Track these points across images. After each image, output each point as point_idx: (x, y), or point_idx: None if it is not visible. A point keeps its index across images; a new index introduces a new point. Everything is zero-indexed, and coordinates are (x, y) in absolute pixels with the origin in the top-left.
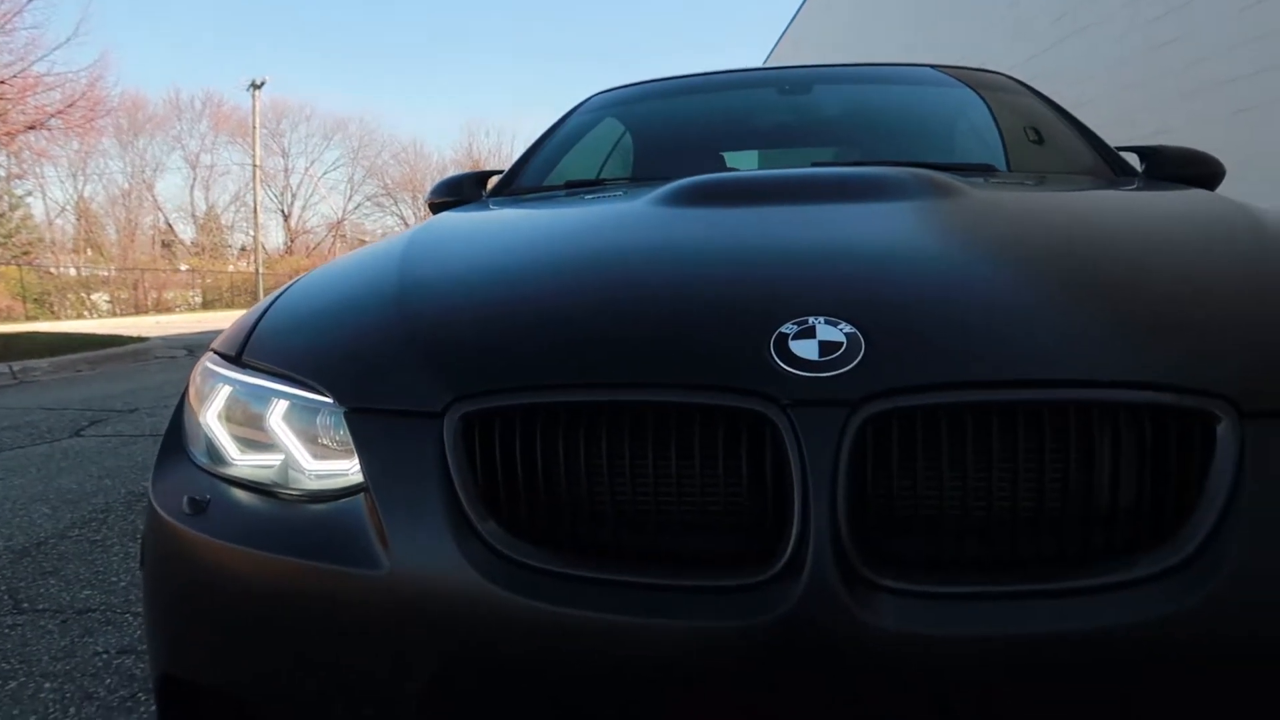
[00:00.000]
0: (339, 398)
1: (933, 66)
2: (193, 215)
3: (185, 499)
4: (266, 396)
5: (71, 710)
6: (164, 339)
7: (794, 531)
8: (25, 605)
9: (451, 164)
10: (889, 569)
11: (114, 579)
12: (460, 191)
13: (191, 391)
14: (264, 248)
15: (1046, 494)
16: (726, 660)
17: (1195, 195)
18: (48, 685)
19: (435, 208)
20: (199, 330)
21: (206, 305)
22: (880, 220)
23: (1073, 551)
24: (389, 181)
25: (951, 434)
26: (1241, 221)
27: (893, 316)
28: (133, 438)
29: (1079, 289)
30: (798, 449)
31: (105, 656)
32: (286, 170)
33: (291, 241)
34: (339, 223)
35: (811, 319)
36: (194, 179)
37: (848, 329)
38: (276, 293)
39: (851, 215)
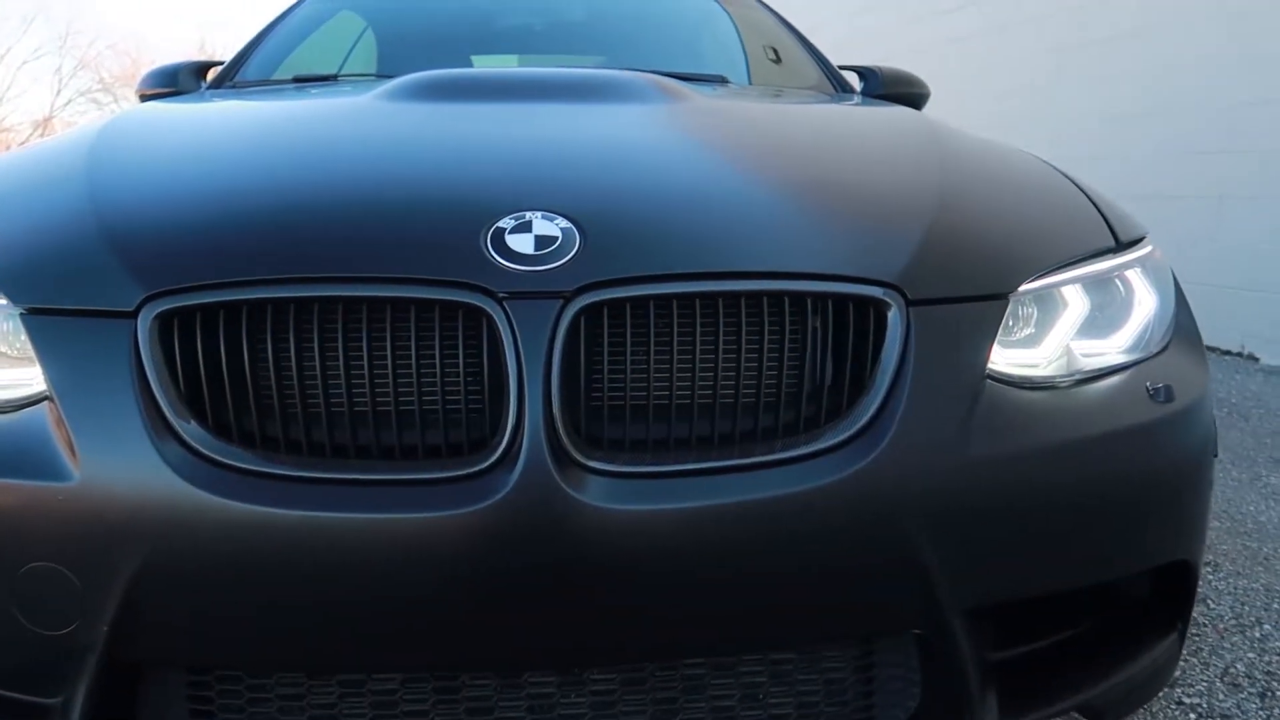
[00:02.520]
0: (13, 297)
1: None
2: None
3: None
4: None
5: None
6: None
7: (509, 421)
8: None
9: (182, 59)
10: (599, 452)
11: None
12: (175, 82)
13: None
14: None
15: (742, 377)
16: (446, 548)
17: (897, 112)
18: None
19: (148, 100)
20: None
21: None
22: (604, 120)
23: (765, 429)
24: (106, 76)
25: (658, 323)
26: (929, 137)
27: (607, 212)
28: None
29: (778, 189)
30: (513, 341)
31: None
32: None
33: None
34: (47, 119)
35: (529, 213)
36: None
37: (564, 224)
38: None
39: (576, 114)
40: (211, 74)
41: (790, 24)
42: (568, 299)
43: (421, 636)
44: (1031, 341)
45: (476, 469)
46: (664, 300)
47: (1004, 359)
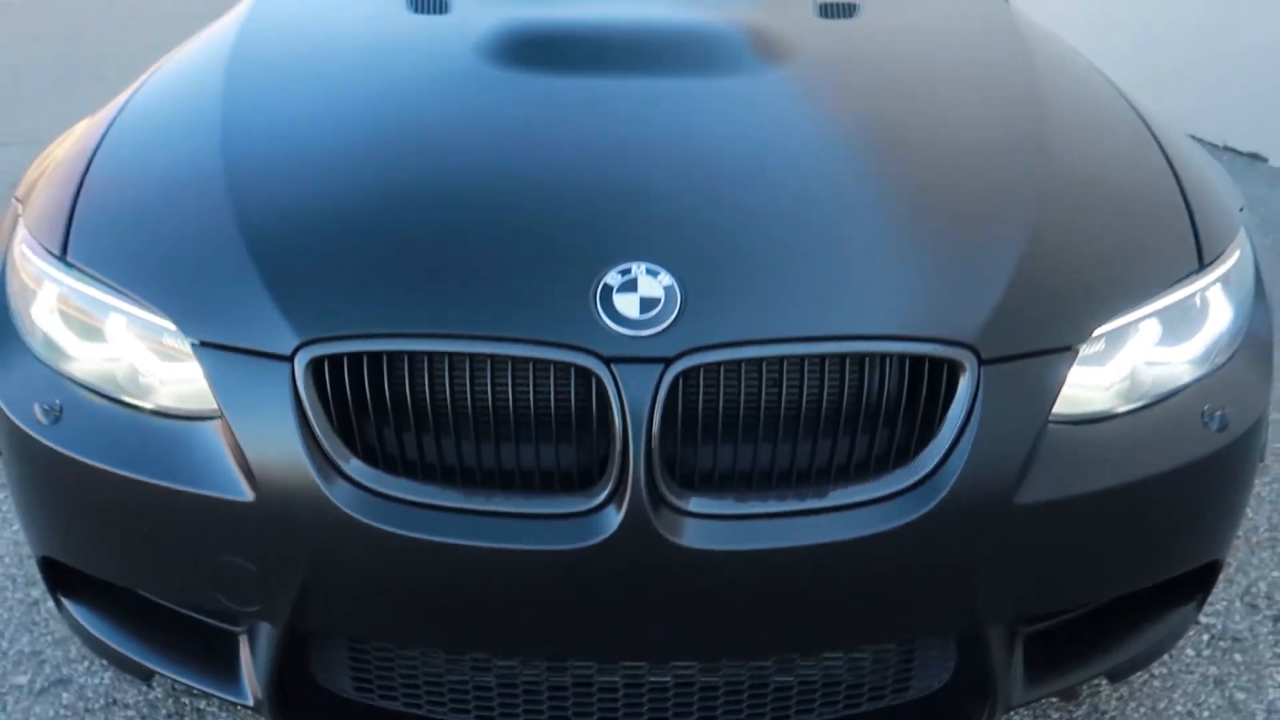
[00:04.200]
0: (185, 329)
1: None
2: None
3: (36, 407)
4: (104, 308)
5: None
6: None
7: (614, 470)
8: None
9: None
10: (691, 492)
11: None
12: None
13: (14, 278)
14: None
15: (821, 430)
16: (559, 573)
17: (1012, 74)
18: None
19: None
20: None
21: None
22: (698, 120)
23: (838, 476)
24: None
25: (747, 381)
26: (1038, 122)
27: (706, 270)
28: None
29: (870, 230)
30: (619, 399)
31: None
32: None
33: None
34: None
35: (634, 267)
36: None
37: (667, 281)
38: (81, 156)
39: (673, 107)
40: None
41: None
42: (668, 364)
43: (536, 639)
44: (1099, 360)
45: (586, 508)
46: (755, 362)
47: (1069, 378)
